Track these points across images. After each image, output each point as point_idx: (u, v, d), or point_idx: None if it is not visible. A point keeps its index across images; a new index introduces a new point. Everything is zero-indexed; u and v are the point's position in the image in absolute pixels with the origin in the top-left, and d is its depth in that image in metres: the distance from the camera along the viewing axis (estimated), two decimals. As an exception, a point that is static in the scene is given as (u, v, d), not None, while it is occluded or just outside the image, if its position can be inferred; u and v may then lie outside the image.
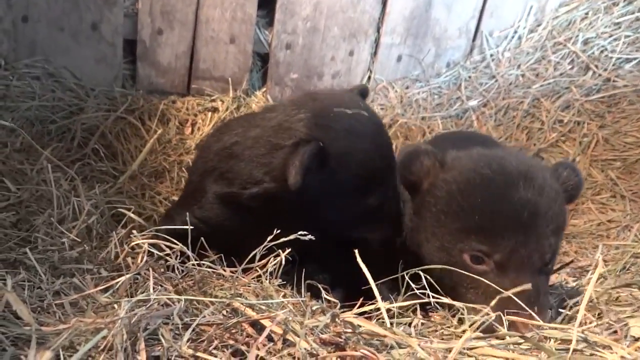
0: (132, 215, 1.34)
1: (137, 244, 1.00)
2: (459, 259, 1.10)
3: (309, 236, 0.98)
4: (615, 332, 1.02)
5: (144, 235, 1.05)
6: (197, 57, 2.26)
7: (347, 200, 1.18)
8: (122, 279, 0.88)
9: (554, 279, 1.40)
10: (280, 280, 1.01)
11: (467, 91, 2.53)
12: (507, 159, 1.17)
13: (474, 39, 2.58)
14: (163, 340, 0.75)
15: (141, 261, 0.93)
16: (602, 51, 2.41)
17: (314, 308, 0.87)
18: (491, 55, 2.57)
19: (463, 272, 1.06)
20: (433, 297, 0.96)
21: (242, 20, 2.24)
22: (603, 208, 1.97)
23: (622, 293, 1.23)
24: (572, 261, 1.55)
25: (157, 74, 2.24)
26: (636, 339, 0.95)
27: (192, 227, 1.05)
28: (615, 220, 1.89)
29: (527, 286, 0.97)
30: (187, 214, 1.14)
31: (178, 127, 2.20)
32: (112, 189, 1.80)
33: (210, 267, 1.00)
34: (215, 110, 2.29)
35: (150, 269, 0.90)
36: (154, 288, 0.89)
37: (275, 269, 0.99)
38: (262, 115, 1.31)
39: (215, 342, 0.85)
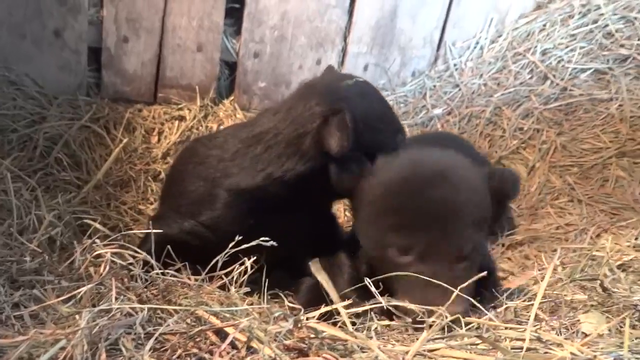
0: (98, 226, 1.33)
1: (99, 254, 0.99)
2: (387, 254, 1.22)
3: (271, 242, 0.99)
4: (568, 329, 1.07)
5: (109, 244, 1.05)
6: (164, 65, 2.26)
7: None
8: (84, 289, 0.87)
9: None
10: (246, 288, 1.02)
11: (432, 100, 2.59)
12: (428, 160, 1.30)
13: (438, 49, 2.65)
14: (124, 350, 0.75)
15: (104, 271, 0.92)
16: (559, 61, 2.50)
17: (276, 314, 0.88)
18: (455, 65, 2.64)
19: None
20: (388, 300, 0.98)
21: (209, 29, 2.25)
22: (561, 212, 2.04)
23: (577, 294, 1.29)
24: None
25: (123, 82, 2.23)
26: (587, 336, 0.99)
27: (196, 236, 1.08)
28: (572, 223, 1.96)
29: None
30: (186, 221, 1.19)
31: (144, 135, 2.18)
32: (76, 199, 1.78)
33: (174, 276, 1.00)
34: (182, 118, 2.28)
35: (113, 279, 0.90)
36: (116, 298, 0.89)
37: (240, 277, 1.00)
38: (264, 119, 1.38)
39: (179, 351, 0.86)
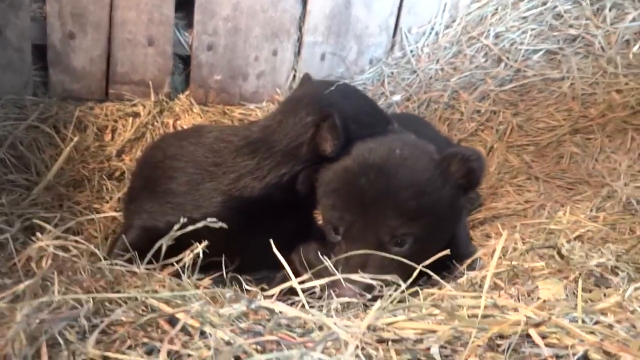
0: (47, 226, 1.27)
1: (41, 248, 0.94)
2: (327, 231, 1.35)
3: (220, 223, 0.97)
4: (526, 296, 1.08)
5: (53, 238, 1.00)
6: (114, 61, 2.19)
7: None
8: (23, 284, 0.83)
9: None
10: (199, 275, 0.99)
11: (390, 86, 2.60)
12: (373, 151, 1.35)
13: (394, 36, 2.66)
14: (63, 344, 0.71)
15: (45, 265, 0.88)
16: (512, 44, 2.55)
17: (228, 295, 0.86)
18: (411, 51, 2.66)
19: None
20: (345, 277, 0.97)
21: (160, 22, 2.19)
22: (520, 190, 2.07)
23: (536, 263, 1.30)
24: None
25: (72, 79, 2.15)
26: (545, 302, 1.00)
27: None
28: (531, 200, 2.00)
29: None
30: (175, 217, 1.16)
31: (97, 133, 2.11)
32: (25, 201, 1.70)
33: (123, 266, 0.96)
34: (136, 115, 2.22)
35: (55, 272, 0.85)
36: (60, 291, 0.84)
37: (192, 264, 0.97)
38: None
39: (129, 341, 0.82)
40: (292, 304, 0.97)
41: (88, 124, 2.11)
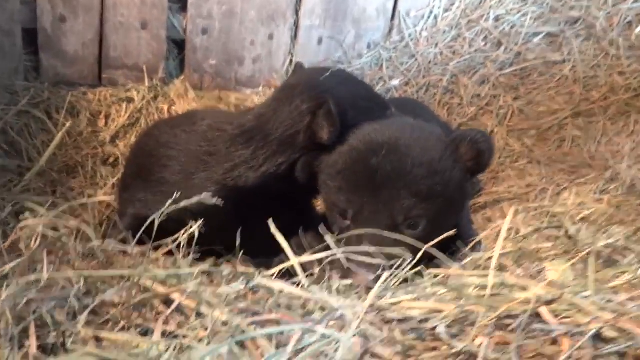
0: (37, 208, 1.23)
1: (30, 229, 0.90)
2: (333, 216, 1.29)
3: (214, 200, 0.94)
4: (533, 277, 1.04)
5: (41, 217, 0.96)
6: (107, 45, 2.14)
7: None
8: (10, 264, 0.79)
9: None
10: (195, 254, 0.95)
11: (388, 71, 2.55)
12: (381, 130, 1.31)
13: (392, 19, 2.61)
14: (51, 323, 0.68)
15: (34, 244, 0.84)
16: (512, 27, 2.50)
17: (225, 273, 0.82)
18: (410, 35, 2.61)
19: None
20: (344, 252, 0.93)
21: (153, 5, 2.14)
22: (521, 174, 2.04)
23: (543, 244, 1.27)
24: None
25: (64, 64, 2.10)
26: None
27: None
28: (532, 184, 1.97)
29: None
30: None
31: (90, 119, 2.06)
32: (17, 187, 1.66)
33: (115, 247, 0.93)
34: (130, 100, 2.17)
35: (45, 251, 0.82)
36: (49, 271, 0.81)
37: (187, 242, 0.94)
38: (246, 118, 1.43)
39: (122, 322, 0.79)
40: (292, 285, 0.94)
41: (81, 109, 2.06)
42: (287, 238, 1.36)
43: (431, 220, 1.25)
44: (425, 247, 0.96)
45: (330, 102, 1.28)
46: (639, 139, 1.92)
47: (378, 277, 0.98)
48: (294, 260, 0.83)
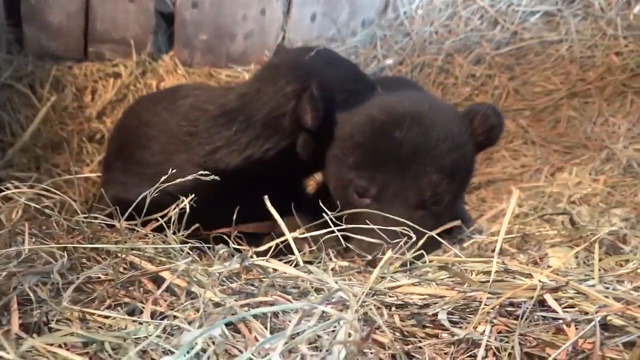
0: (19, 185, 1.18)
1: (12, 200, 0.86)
2: (347, 194, 1.17)
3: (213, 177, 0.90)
4: (535, 262, 1.02)
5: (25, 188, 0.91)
6: (93, 17, 2.06)
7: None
8: (-10, 238, 0.75)
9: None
10: (185, 231, 0.91)
11: (383, 50, 2.50)
12: (401, 101, 1.22)
13: (387, -4, 2.55)
14: (33, 299, 0.64)
15: (16, 216, 0.80)
16: (508, 5, 2.46)
17: (221, 252, 0.79)
18: (405, 13, 2.56)
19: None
20: (341, 232, 0.90)
21: (141, -24, 2.07)
22: (516, 154, 2.02)
23: (542, 229, 1.25)
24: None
25: (48, 36, 2.02)
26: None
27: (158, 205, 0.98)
28: (527, 165, 1.95)
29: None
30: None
31: (75, 94, 2.00)
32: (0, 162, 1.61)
33: (102, 221, 0.89)
34: (117, 75, 2.11)
35: (26, 224, 0.77)
36: (31, 243, 0.77)
37: (177, 219, 0.90)
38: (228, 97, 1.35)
39: (108, 300, 0.75)
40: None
41: (66, 83, 2.00)
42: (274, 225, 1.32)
43: (452, 196, 1.20)
44: (430, 234, 0.93)
45: (314, 85, 1.21)
46: (635, 119, 1.90)
47: (378, 257, 0.96)
48: (289, 236, 0.79)
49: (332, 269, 0.95)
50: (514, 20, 2.42)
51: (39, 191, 0.84)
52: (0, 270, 0.66)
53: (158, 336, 0.65)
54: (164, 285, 0.76)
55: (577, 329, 0.72)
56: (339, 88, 1.30)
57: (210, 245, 0.87)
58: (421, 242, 0.95)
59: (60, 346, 0.62)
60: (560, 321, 0.73)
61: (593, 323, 0.68)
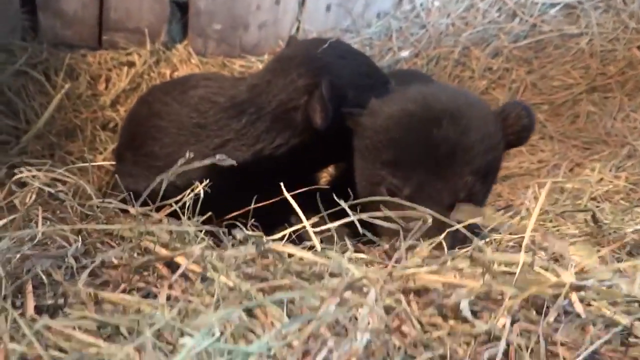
0: (40, 174, 1.17)
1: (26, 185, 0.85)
2: (378, 192, 1.12)
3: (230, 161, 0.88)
4: (557, 260, 1.00)
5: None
6: (108, 6, 2.06)
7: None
8: (3, 221, 0.74)
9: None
10: (199, 217, 0.90)
11: (398, 42, 2.47)
12: (437, 96, 1.17)
13: (403, -13, 2.52)
14: (46, 282, 0.63)
15: (29, 200, 0.79)
16: (527, -3, 2.42)
17: (238, 236, 0.77)
18: (421, 4, 2.52)
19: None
20: (360, 221, 0.88)
21: (156, -36, 2.05)
22: (533, 150, 1.99)
23: (563, 227, 1.22)
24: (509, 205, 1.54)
25: (63, 25, 2.02)
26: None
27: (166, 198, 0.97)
28: (544, 160, 1.91)
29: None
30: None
31: (89, 82, 2.00)
32: (13, 149, 1.61)
33: (116, 206, 0.88)
34: (131, 64, 2.10)
35: (40, 208, 0.76)
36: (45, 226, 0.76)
37: (192, 204, 0.88)
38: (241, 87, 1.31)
39: (122, 285, 0.74)
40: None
41: (80, 71, 1.99)
42: (286, 217, 1.28)
43: (484, 196, 1.17)
44: (457, 227, 0.91)
45: (324, 84, 1.17)
46: (658, 115, 1.86)
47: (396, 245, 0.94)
48: (307, 224, 0.77)
49: (347, 257, 0.93)
50: (533, 13, 2.38)
51: (55, 175, 0.82)
52: (14, 252, 0.64)
53: (173, 318, 0.64)
54: (180, 270, 0.74)
55: (603, 330, 0.70)
56: (351, 83, 1.26)
57: (225, 230, 0.85)
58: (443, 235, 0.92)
59: (74, 328, 0.61)
60: (586, 321, 0.71)
61: (620, 328, 0.66)
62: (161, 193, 0.92)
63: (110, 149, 1.82)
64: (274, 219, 1.20)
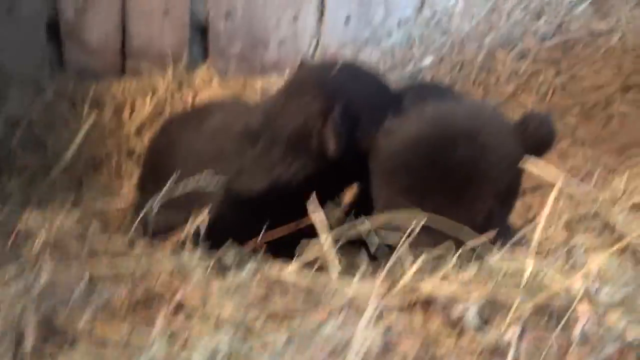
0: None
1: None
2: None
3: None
4: (572, 268, 0.95)
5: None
6: (130, 34, 2.11)
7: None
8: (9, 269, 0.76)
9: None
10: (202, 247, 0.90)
11: (420, 50, 2.43)
12: (455, 116, 1.13)
13: (423, -7, 2.48)
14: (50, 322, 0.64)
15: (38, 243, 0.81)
16: (553, -5, 2.34)
17: (230, 260, 0.78)
18: (442, 10, 2.48)
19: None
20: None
21: (174, -10, 2.09)
22: (564, 156, 1.91)
23: (582, 235, 1.16)
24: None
25: (87, 55, 2.08)
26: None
27: None
28: (576, 167, 1.83)
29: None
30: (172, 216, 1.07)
31: (115, 111, 2.05)
32: (43, 183, 1.67)
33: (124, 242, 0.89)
34: (154, 90, 2.14)
35: (48, 249, 0.78)
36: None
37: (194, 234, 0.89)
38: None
39: (125, 321, 0.75)
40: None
41: (105, 100, 2.05)
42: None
43: (504, 219, 1.13)
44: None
45: (337, 111, 1.15)
46: (698, 113, 1.75)
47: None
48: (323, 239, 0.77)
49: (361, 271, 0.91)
50: (560, 11, 2.30)
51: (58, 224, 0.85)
52: (19, 301, 0.66)
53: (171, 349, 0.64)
54: (177, 298, 0.75)
55: (616, 341, 0.66)
56: (365, 105, 1.24)
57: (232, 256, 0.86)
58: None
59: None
60: (592, 333, 0.67)
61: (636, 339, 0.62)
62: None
63: (136, 177, 1.86)
64: (290, 244, 1.19)
